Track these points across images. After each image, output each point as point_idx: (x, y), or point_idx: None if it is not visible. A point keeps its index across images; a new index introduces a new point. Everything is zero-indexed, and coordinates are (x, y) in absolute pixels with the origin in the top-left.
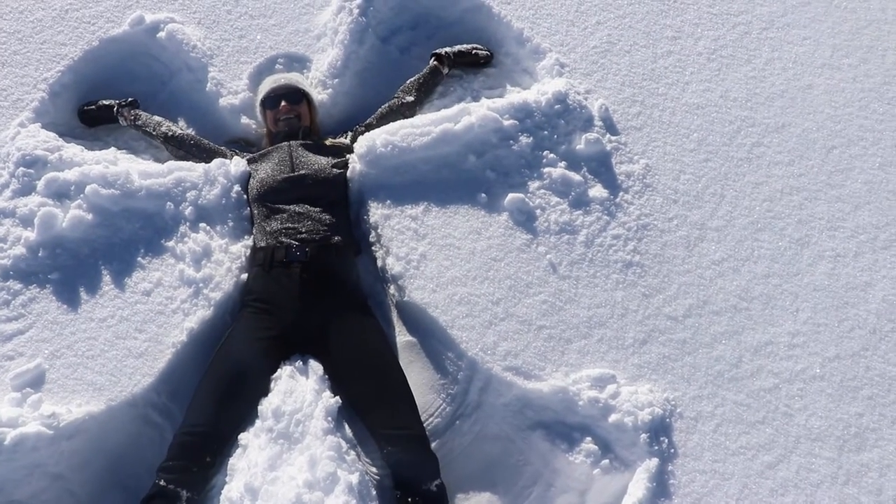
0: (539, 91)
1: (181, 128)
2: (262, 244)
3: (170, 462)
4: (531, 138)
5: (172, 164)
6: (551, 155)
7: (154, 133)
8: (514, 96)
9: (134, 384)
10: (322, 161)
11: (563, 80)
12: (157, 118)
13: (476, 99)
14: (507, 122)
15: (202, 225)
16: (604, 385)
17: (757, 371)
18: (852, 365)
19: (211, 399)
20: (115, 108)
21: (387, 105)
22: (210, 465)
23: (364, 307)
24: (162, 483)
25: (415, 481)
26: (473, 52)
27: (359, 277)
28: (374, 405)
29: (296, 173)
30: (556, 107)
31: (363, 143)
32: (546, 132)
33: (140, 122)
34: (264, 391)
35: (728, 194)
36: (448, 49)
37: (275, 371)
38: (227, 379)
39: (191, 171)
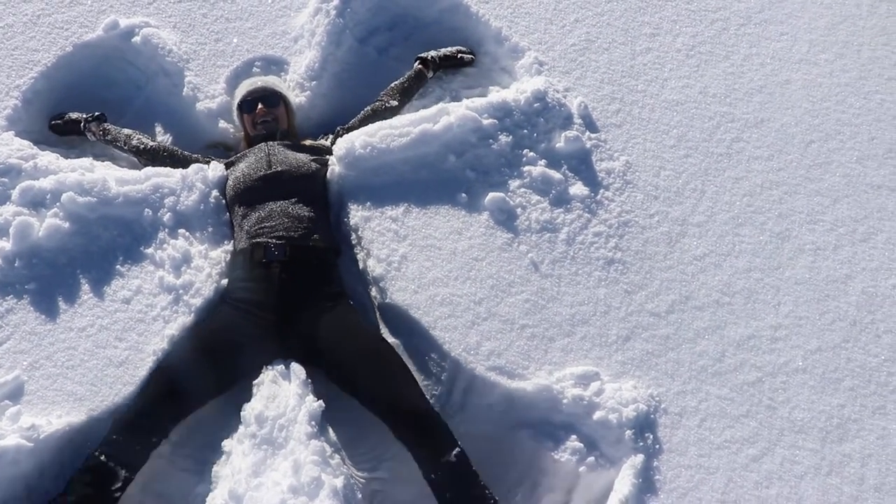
0: (518, 90)
1: (153, 139)
2: (241, 245)
3: (113, 436)
4: (511, 137)
5: (150, 170)
6: (531, 153)
7: (125, 147)
8: (493, 95)
9: (115, 393)
10: (300, 157)
11: (541, 79)
12: (126, 131)
13: (455, 99)
14: (486, 122)
15: (181, 231)
16: (588, 382)
17: (740, 365)
18: (834, 357)
19: (167, 380)
20: (81, 124)
21: (370, 108)
22: (154, 444)
23: (344, 302)
24: (102, 458)
25: (435, 455)
26: (458, 55)
27: (339, 277)
28: (376, 392)
29: (272, 170)
30: (536, 105)
31: (342, 144)
32: (525, 131)
33: (109, 136)
34: (226, 386)
35: (708, 190)
36: (433, 53)
37: (245, 369)
38: (189, 364)
39: (168, 176)
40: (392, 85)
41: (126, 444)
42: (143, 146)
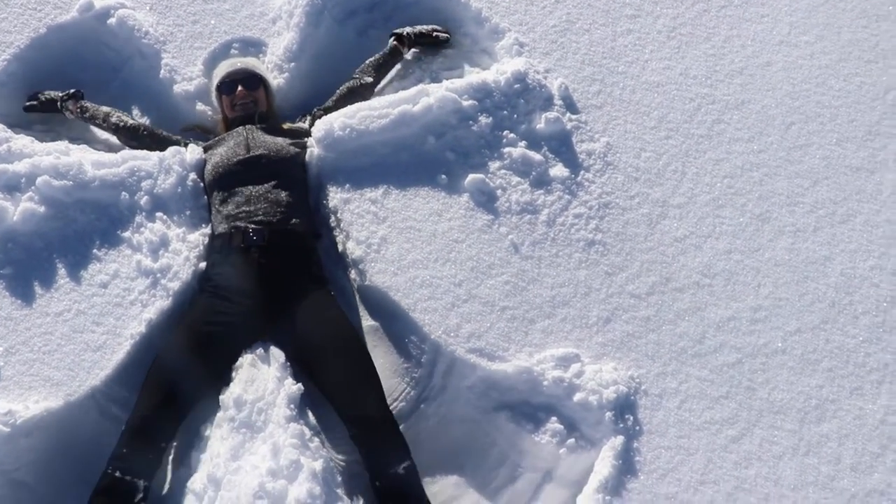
0: (498, 70)
1: (133, 117)
2: (220, 230)
3: (123, 450)
4: (490, 118)
5: (126, 153)
6: (511, 135)
7: (104, 124)
8: (473, 76)
9: (92, 378)
10: (279, 140)
11: (522, 60)
12: (105, 109)
13: (435, 80)
14: (466, 103)
15: (159, 214)
16: (568, 364)
17: (720, 346)
18: (812, 338)
19: (163, 383)
20: (58, 102)
21: (345, 86)
22: (164, 449)
23: (325, 291)
24: (117, 474)
25: (383, 464)
26: (434, 33)
27: (319, 261)
28: (339, 389)
29: (251, 154)
30: (516, 86)
31: (321, 126)
32: (506, 112)
33: (87, 114)
34: (218, 376)
35: (689, 171)
36: (409, 29)
37: (232, 356)
38: (180, 363)
39: (145, 160)
40: (367, 62)
41: (137, 455)
42: (122, 123)
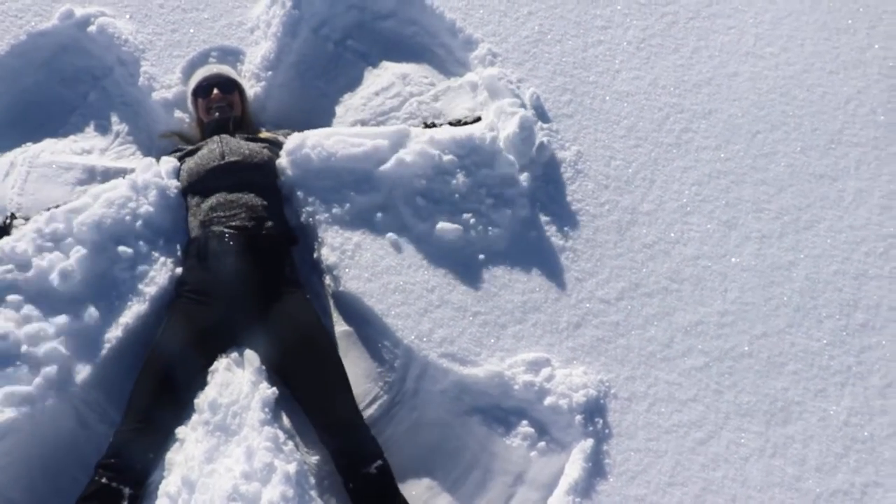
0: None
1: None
2: (195, 234)
3: (111, 459)
4: (469, 178)
5: (93, 189)
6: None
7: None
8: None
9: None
10: (253, 147)
11: (495, 69)
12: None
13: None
14: (445, 158)
15: (151, 233)
16: (539, 369)
17: (688, 350)
18: (778, 342)
19: (150, 394)
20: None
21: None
22: (152, 460)
23: (300, 293)
24: (104, 481)
25: (354, 466)
26: (462, 122)
27: (294, 265)
28: (309, 393)
29: (225, 160)
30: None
31: (294, 139)
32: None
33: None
34: (202, 383)
35: (658, 179)
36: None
37: (210, 363)
38: (165, 372)
39: (113, 188)
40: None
41: (124, 463)
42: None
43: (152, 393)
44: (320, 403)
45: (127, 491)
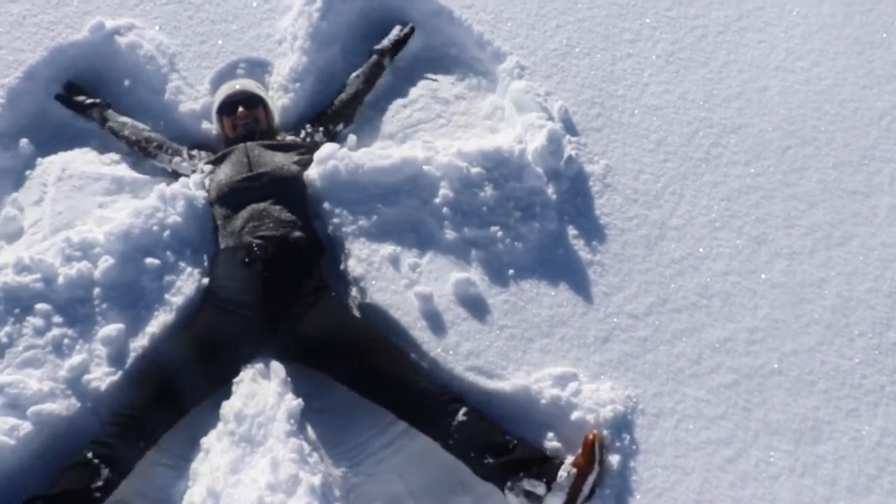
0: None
1: (146, 130)
2: (223, 245)
3: (103, 438)
4: (497, 191)
5: (126, 213)
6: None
7: (119, 135)
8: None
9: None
10: (280, 158)
11: (523, 83)
12: (122, 120)
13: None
14: (473, 171)
15: (179, 244)
16: (566, 383)
17: (716, 367)
18: (808, 360)
19: (155, 386)
20: (84, 108)
21: (338, 100)
22: (142, 450)
23: (327, 295)
24: (89, 455)
25: (444, 426)
26: (402, 36)
27: (321, 273)
28: (372, 381)
29: (254, 172)
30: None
31: (325, 150)
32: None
33: (107, 124)
34: (216, 387)
35: (687, 194)
36: (385, 42)
37: (232, 369)
38: (176, 371)
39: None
40: (352, 76)
41: (115, 446)
42: (134, 137)
43: (158, 387)
44: (387, 386)
45: (105, 472)
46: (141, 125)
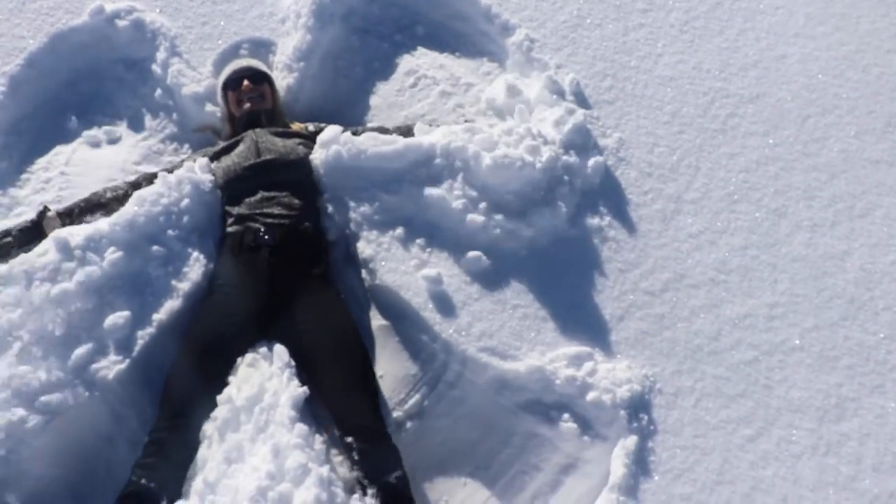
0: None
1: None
2: (231, 230)
3: (148, 459)
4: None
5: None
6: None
7: (101, 203)
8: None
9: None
10: (288, 143)
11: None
12: (88, 197)
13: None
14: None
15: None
16: (581, 363)
17: (736, 344)
18: (831, 335)
19: (183, 389)
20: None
21: (377, 126)
22: (189, 459)
23: (332, 291)
24: (143, 482)
25: (375, 472)
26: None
27: (328, 263)
28: (335, 393)
29: (262, 158)
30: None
31: (328, 133)
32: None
33: (75, 213)
34: (225, 375)
35: (703, 166)
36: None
37: (237, 355)
38: (198, 366)
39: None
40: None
41: (160, 466)
42: (120, 192)
43: (185, 387)
44: (346, 406)
45: (164, 496)
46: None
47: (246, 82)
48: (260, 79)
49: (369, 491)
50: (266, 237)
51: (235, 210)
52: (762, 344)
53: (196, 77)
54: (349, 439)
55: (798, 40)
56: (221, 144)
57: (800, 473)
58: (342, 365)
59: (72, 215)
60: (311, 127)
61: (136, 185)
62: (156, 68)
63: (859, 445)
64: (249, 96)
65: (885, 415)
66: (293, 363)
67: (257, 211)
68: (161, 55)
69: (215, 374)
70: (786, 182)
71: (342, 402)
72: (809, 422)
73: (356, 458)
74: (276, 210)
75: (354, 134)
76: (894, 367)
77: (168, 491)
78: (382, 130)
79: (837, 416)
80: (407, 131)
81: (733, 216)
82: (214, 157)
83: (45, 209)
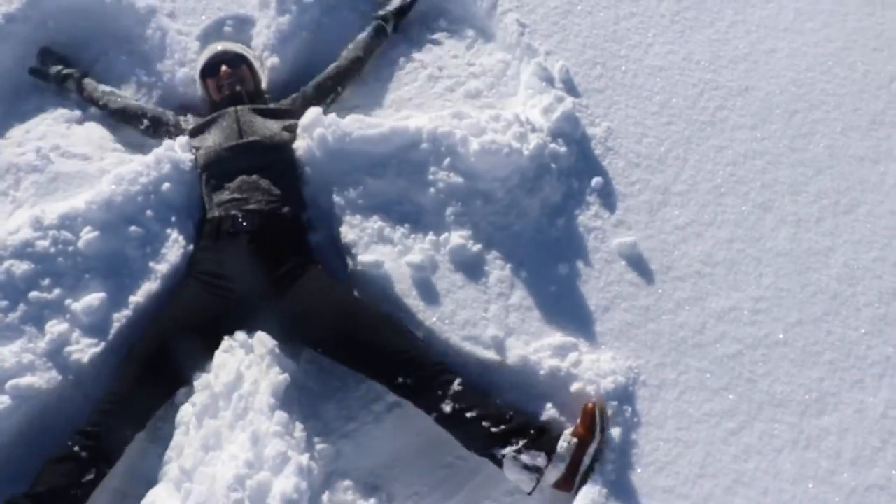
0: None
1: (127, 97)
2: (210, 215)
3: (88, 427)
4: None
5: (109, 176)
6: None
7: (99, 104)
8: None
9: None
10: (272, 125)
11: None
12: (102, 89)
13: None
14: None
15: (166, 210)
16: (565, 353)
17: (720, 337)
18: (814, 330)
19: (139, 369)
20: (60, 79)
21: (334, 66)
22: (129, 437)
23: (314, 269)
24: (76, 449)
25: (436, 398)
26: (407, 1)
27: (309, 245)
28: (361, 353)
29: (244, 140)
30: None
31: (310, 115)
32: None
33: (85, 93)
34: (201, 366)
35: (691, 158)
36: (388, 8)
37: (215, 346)
38: (159, 350)
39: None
40: (352, 43)
41: (102, 436)
42: (116, 107)
43: (143, 369)
44: (378, 358)
45: (93, 464)
46: (120, 93)
47: (224, 67)
48: (237, 62)
49: (441, 414)
50: (244, 223)
51: (215, 196)
52: (746, 338)
53: (181, 49)
54: (399, 386)
55: (787, 35)
56: (201, 120)
57: (781, 467)
58: (356, 326)
59: (82, 93)
60: (288, 102)
61: (150, 115)
62: (136, 43)
63: (838, 440)
64: (228, 81)
65: (864, 409)
66: (277, 351)
67: (237, 196)
68: (143, 29)
69: (180, 360)
70: (772, 176)
71: (373, 358)
72: (791, 416)
73: (415, 397)
74: (258, 197)
75: (307, 93)
76: (874, 362)
77: (102, 463)
78: (330, 76)
79: (818, 410)
80: (349, 65)
81: (720, 209)
82: (193, 133)
83: (85, 74)
